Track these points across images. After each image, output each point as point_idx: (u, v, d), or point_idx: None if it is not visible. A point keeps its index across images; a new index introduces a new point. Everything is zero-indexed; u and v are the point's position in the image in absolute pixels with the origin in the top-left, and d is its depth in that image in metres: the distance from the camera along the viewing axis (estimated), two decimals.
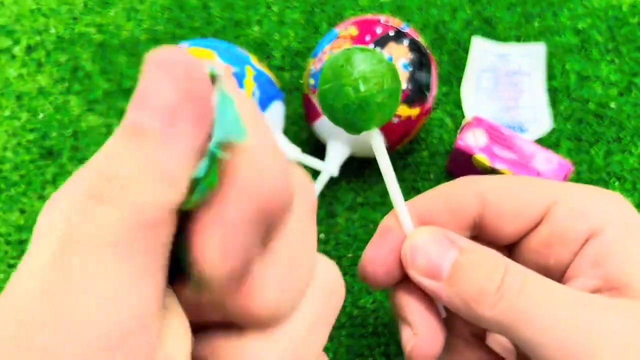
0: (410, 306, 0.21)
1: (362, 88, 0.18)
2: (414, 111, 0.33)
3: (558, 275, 0.20)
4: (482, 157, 0.34)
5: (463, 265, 0.18)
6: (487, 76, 0.42)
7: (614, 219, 0.19)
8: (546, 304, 0.17)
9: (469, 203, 0.20)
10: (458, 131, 0.36)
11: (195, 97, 0.11)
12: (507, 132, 0.35)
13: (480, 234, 0.21)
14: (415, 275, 0.19)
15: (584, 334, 0.16)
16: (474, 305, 0.18)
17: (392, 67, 0.19)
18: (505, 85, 0.42)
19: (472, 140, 0.35)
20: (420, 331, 0.20)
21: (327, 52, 0.33)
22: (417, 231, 0.20)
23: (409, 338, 0.20)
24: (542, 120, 0.40)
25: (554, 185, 0.20)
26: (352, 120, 0.19)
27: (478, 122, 0.35)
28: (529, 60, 0.43)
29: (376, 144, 0.21)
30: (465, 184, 0.20)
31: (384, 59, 0.19)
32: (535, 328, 0.17)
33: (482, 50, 0.43)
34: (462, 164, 0.36)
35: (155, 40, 0.44)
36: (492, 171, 0.34)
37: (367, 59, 0.19)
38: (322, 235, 0.35)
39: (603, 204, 0.19)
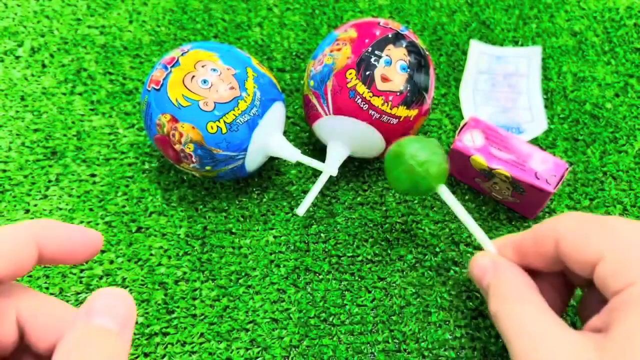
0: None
1: (421, 168, 0.29)
2: (413, 112, 0.34)
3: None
4: (479, 158, 0.34)
5: (491, 287, 0.27)
6: (484, 78, 0.43)
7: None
8: (521, 331, 0.24)
9: (548, 244, 0.26)
10: (456, 132, 0.36)
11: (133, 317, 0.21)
12: (503, 133, 0.35)
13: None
14: (470, 272, 0.29)
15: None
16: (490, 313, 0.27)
17: (438, 146, 0.30)
18: (502, 87, 0.42)
19: (470, 141, 0.35)
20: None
21: (327, 54, 0.34)
22: (481, 254, 0.29)
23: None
24: (538, 121, 0.40)
25: (606, 235, 0.24)
26: (419, 188, 0.30)
27: (475, 123, 0.35)
28: (526, 62, 0.43)
29: (445, 196, 0.30)
30: (546, 228, 0.26)
31: (433, 143, 0.30)
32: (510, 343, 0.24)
33: (479, 53, 0.44)
34: (460, 165, 0.36)
35: (158, 42, 0.45)
36: (490, 171, 0.34)
37: (422, 146, 0.29)
38: (322, 235, 0.36)
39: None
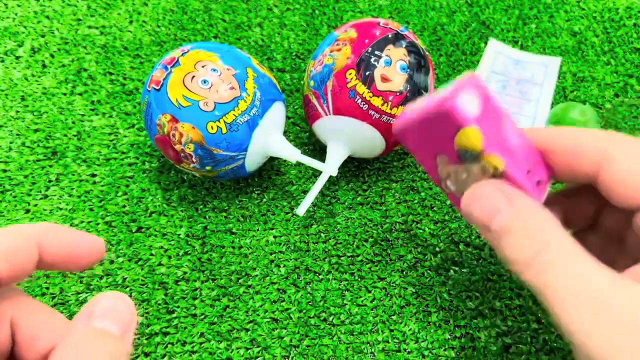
0: None
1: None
2: None
3: None
4: (475, 133, 0.22)
5: (510, 229, 0.20)
6: (497, 78, 0.42)
7: None
8: (567, 286, 0.19)
9: (588, 163, 0.21)
10: (445, 89, 0.23)
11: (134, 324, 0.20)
12: (503, 114, 0.23)
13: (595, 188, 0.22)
14: (467, 212, 0.22)
15: (592, 316, 0.18)
16: (509, 263, 0.20)
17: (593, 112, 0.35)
18: (513, 91, 0.42)
19: (470, 105, 0.22)
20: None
21: (327, 55, 0.34)
22: (484, 182, 0.22)
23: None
24: None
25: None
26: None
27: (474, 83, 0.22)
28: (543, 71, 0.43)
29: None
30: (592, 141, 0.21)
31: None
32: (556, 301, 0.19)
33: (495, 52, 0.44)
34: (430, 132, 0.24)
35: (158, 42, 0.45)
36: (476, 155, 0.22)
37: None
38: (322, 235, 0.36)
39: None
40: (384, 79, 0.32)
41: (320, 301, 0.34)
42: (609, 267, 0.19)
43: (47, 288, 0.34)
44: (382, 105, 0.32)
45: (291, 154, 0.34)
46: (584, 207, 0.26)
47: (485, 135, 0.22)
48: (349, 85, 0.32)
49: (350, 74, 0.32)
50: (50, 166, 0.39)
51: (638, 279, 0.19)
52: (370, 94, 0.32)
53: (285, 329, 0.33)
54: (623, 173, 0.20)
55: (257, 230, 0.36)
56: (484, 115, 0.22)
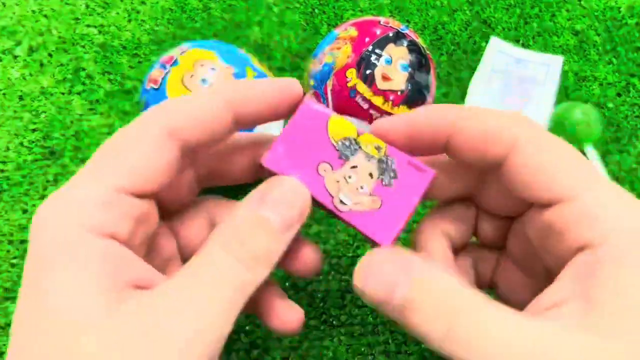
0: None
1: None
2: None
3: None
4: (343, 120, 0.21)
5: (413, 304, 0.18)
6: (498, 77, 0.42)
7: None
8: (495, 353, 0.16)
9: (442, 126, 0.20)
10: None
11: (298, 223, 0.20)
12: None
13: (454, 156, 0.21)
14: (361, 291, 0.19)
15: None
16: (422, 339, 0.18)
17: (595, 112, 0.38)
18: (515, 90, 0.42)
19: (321, 107, 0.22)
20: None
21: (327, 53, 0.34)
22: (376, 250, 0.20)
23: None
24: None
25: (518, 124, 0.20)
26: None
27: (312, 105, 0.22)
28: (545, 70, 0.43)
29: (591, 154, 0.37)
30: (505, 121, 0.20)
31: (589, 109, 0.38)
32: None
33: (497, 51, 0.43)
34: (301, 142, 0.21)
35: (157, 41, 0.45)
36: (354, 142, 0.21)
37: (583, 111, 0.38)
38: (322, 235, 0.36)
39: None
40: (385, 78, 0.32)
41: (320, 302, 0.33)
42: (525, 313, 0.18)
43: None
44: (383, 104, 0.32)
45: None
46: (464, 220, 0.24)
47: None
48: (349, 84, 0.32)
49: (350, 72, 0.32)
50: (49, 166, 0.38)
51: (543, 314, 0.18)
52: (371, 93, 0.32)
53: None
54: (532, 160, 0.19)
55: None
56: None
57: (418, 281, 0.18)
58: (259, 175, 0.24)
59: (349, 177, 0.21)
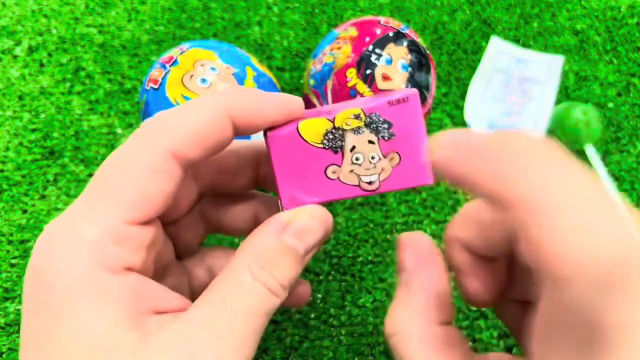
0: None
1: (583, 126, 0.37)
2: None
3: None
4: (312, 121, 0.21)
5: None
6: (499, 77, 0.42)
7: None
8: None
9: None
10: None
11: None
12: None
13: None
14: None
15: None
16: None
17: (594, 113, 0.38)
18: (515, 90, 0.42)
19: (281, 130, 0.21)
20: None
21: (327, 53, 0.34)
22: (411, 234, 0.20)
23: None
24: (538, 132, 0.40)
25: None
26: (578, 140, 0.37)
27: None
28: (546, 70, 0.43)
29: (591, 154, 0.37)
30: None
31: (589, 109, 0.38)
32: None
33: (497, 51, 0.43)
34: (294, 165, 0.21)
35: (157, 41, 0.45)
36: (337, 130, 0.21)
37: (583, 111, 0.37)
38: None
39: None
40: (385, 78, 0.32)
41: (320, 302, 0.33)
42: None
43: None
44: None
45: None
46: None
47: (317, 114, 0.21)
48: (349, 84, 0.32)
49: (350, 72, 0.32)
50: (48, 166, 0.38)
51: None
52: (371, 93, 0.32)
53: (284, 330, 0.32)
54: (560, 230, 0.13)
55: None
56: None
57: (405, 283, 0.20)
58: (261, 185, 0.25)
59: (356, 159, 0.21)
